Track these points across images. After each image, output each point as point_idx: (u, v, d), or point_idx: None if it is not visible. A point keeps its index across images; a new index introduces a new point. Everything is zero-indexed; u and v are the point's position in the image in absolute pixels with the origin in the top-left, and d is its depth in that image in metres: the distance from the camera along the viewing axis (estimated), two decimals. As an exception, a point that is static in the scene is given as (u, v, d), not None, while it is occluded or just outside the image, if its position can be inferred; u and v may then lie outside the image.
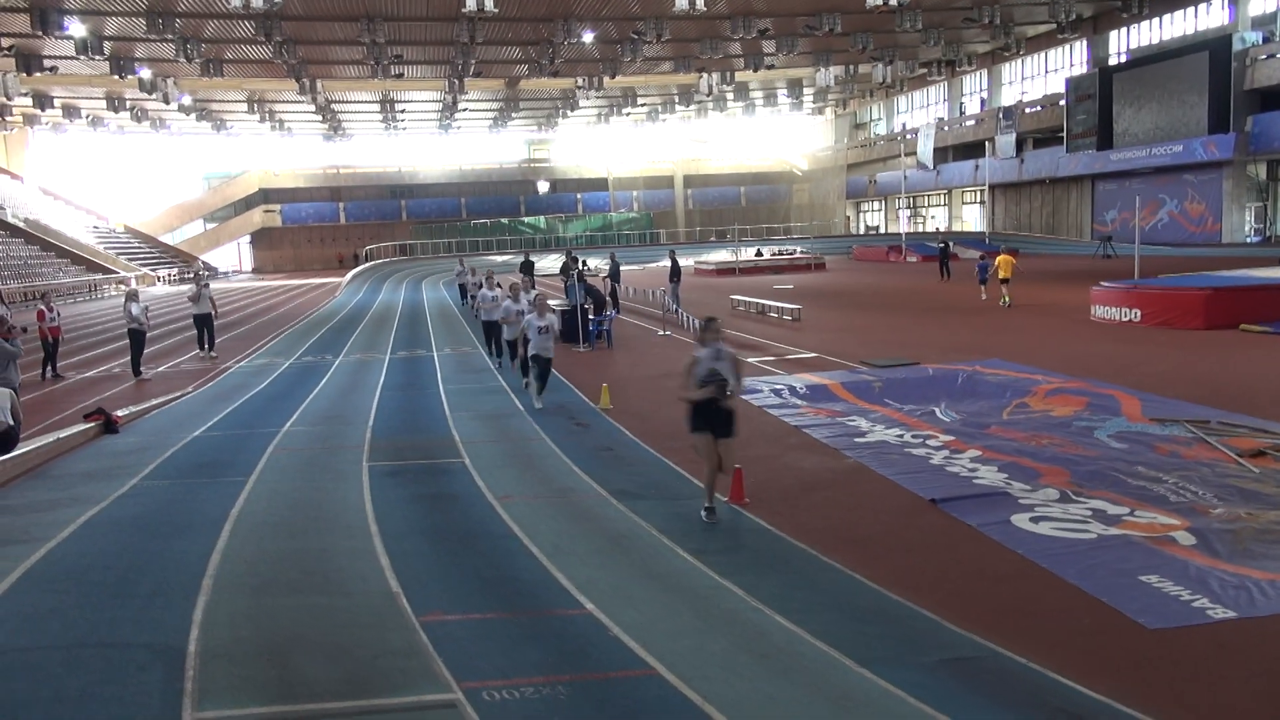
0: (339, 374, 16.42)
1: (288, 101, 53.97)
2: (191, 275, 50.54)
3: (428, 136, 68.15)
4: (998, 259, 23.85)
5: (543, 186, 71.52)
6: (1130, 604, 5.48)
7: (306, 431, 11.31)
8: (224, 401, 13.57)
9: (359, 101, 56.97)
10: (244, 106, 54.51)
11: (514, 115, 62.46)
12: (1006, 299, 22.68)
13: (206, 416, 12.28)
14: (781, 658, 4.71)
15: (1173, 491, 7.62)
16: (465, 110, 59.35)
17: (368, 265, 54.84)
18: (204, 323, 19.29)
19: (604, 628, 5.01)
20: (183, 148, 66.65)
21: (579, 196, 72.70)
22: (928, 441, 9.76)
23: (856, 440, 10.00)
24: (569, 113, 60.89)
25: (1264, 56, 37.88)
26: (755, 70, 48.72)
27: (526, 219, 70.35)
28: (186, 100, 49.47)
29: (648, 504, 7.75)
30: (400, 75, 45.21)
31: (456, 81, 47.45)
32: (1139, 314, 17.84)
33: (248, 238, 70.16)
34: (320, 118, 58.27)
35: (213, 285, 25.70)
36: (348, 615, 5.16)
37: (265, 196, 68.85)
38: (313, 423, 11.89)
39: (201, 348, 19.36)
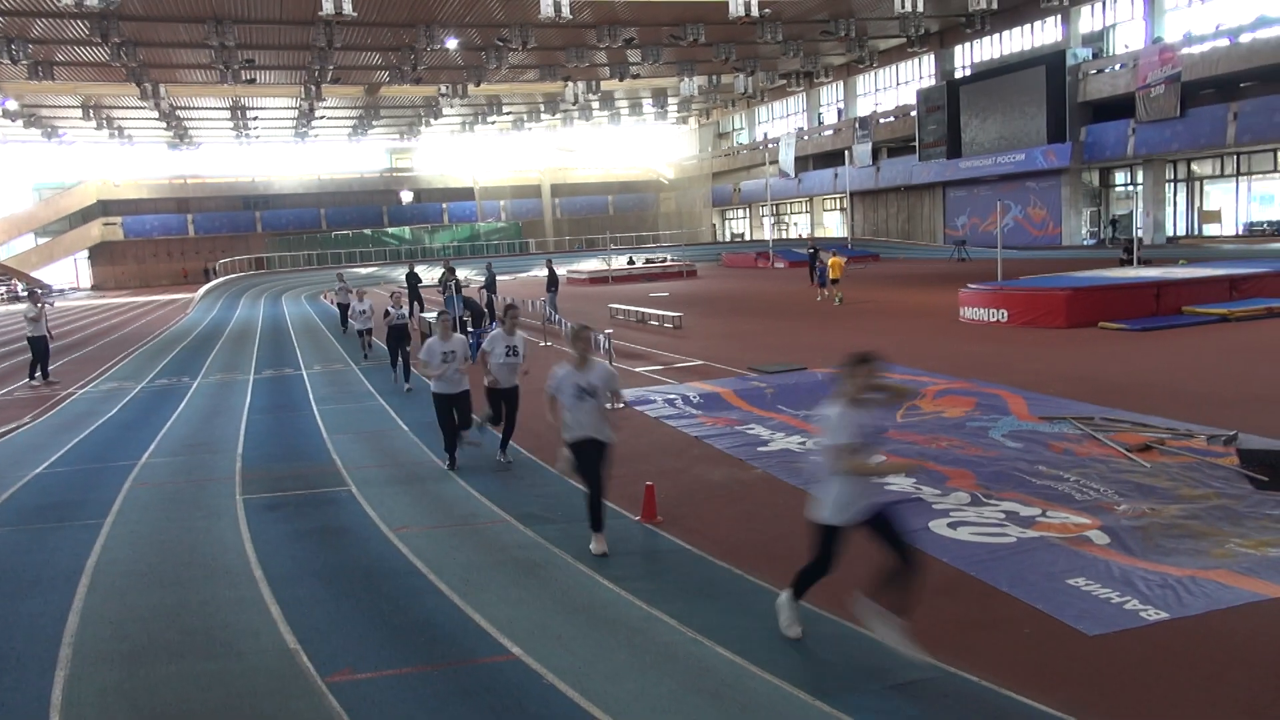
0: (199, 397, 15.25)
1: (128, 107, 50.61)
2: (27, 293, 46.61)
3: (283, 145, 65.22)
4: (829, 261, 25.94)
5: (406, 196, 69.63)
6: (1066, 610, 5.41)
7: (168, 463, 10.33)
8: (69, 432, 12.32)
9: (208, 108, 54.03)
10: (79, 112, 50.81)
11: (375, 123, 60.58)
12: (839, 298, 25.03)
13: (50, 449, 11.09)
14: (733, 695, 4.38)
15: (1076, 490, 7.72)
16: (323, 117, 57.15)
17: (221, 280, 52.01)
18: (40, 346, 17.48)
19: (537, 675, 4.57)
20: (9, 156, 61.55)
21: (444, 206, 71.15)
22: (830, 448, 9.66)
23: (760, 450, 9.83)
24: (432, 121, 59.44)
25: (1094, 71, 40.44)
26: (620, 79, 48.79)
27: (390, 230, 68.33)
28: (12, 105, 45.69)
29: (557, 528, 7.32)
30: (252, 80, 43.05)
31: (313, 88, 45.51)
32: (1006, 314, 18.52)
33: (85, 252, 65.39)
34: (164, 125, 54.88)
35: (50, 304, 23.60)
36: (242, 682, 4.53)
37: (104, 208, 64.31)
38: (174, 453, 10.89)
39: (33, 376, 17.43)
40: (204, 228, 66.07)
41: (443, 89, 49.21)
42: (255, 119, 56.85)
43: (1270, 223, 37.12)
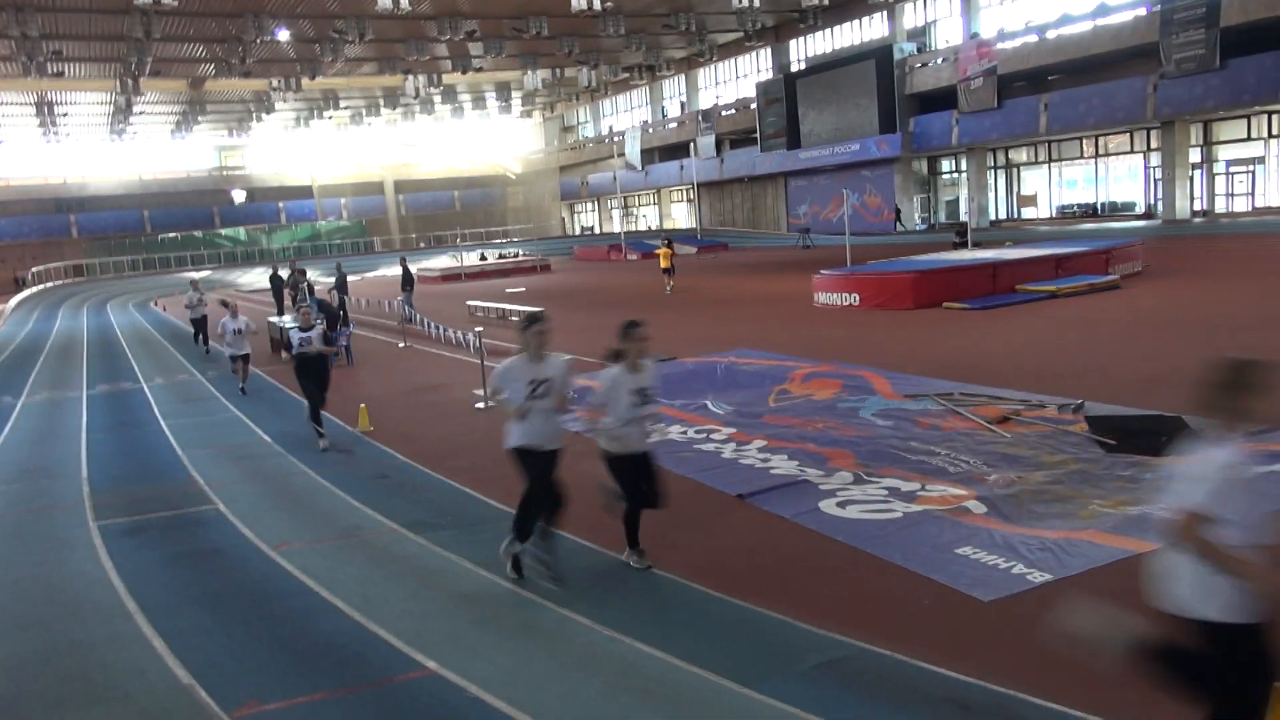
0: (26, 418, 14.02)
1: (-88, 103, 46.00)
2: None
3: (98, 143, 60.62)
4: (658, 251, 27.11)
5: (238, 196, 66.21)
6: (959, 579, 5.67)
7: (2, 492, 9.43)
8: (-124, 466, 11.07)
9: (10, 104, 49.64)
10: None
11: (201, 119, 57.30)
12: (670, 286, 26.41)
13: None
14: (663, 692, 4.37)
15: (949, 463, 8.11)
16: (142, 114, 53.59)
17: (35, 289, 48.00)
18: None
19: (459, 689, 4.42)
20: None
21: (281, 205, 68.02)
22: (712, 436, 9.82)
23: (642, 442, 9.84)
24: (264, 116, 56.72)
25: (919, 65, 42.69)
26: (463, 73, 48.02)
27: (223, 231, 64.80)
28: None
29: (449, 534, 7.11)
30: (60, 74, 39.86)
31: (130, 81, 42.58)
32: (858, 298, 19.30)
33: None
34: (-43, 122, 50.20)
35: None
36: (139, 726, 4.18)
37: (-113, 214, 58.27)
38: (8, 480, 9.98)
39: None
40: (10, 233, 60.69)
41: (274, 83, 47.07)
42: (65, 115, 52.73)
43: (1079, 205, 40.22)
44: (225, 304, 15.65)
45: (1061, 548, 5.99)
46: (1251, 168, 34.39)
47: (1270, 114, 32.80)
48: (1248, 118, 33.56)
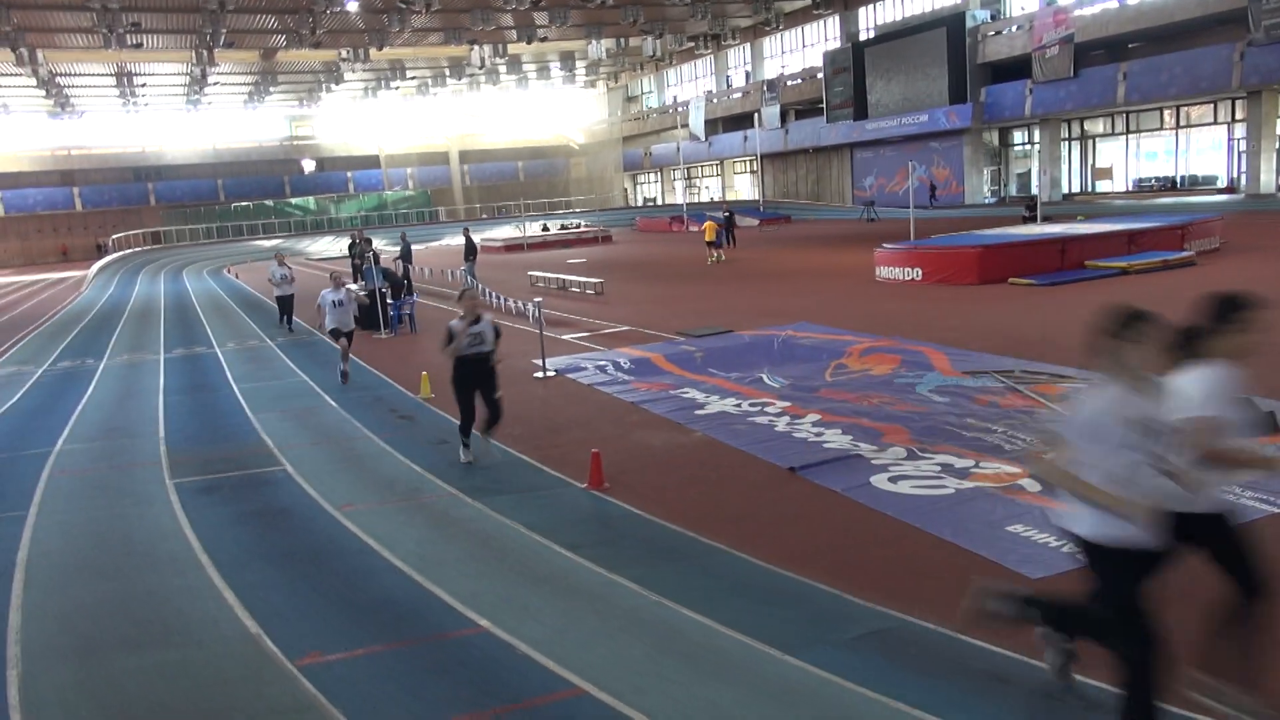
0: (107, 379, 14.63)
1: (2, 74, 47.63)
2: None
3: (175, 113, 62.29)
4: (704, 225, 28.37)
5: (308, 165, 67.54)
6: (1009, 556, 5.67)
7: (86, 449, 9.92)
8: (-29, 422, 11.70)
9: (91, 75, 51.24)
10: (-54, 81, 47.72)
11: (272, 90, 58.41)
12: (714, 258, 27.66)
13: (-48, 442, 10.52)
14: (706, 656, 4.48)
15: (1005, 440, 8.05)
16: (217, 84, 54.82)
17: (115, 256, 49.70)
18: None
19: (509, 646, 4.58)
20: None
21: (349, 175, 69.22)
22: (766, 409, 9.86)
23: (697, 413, 9.94)
24: (333, 87, 57.64)
25: (992, 33, 41.53)
26: (528, 42, 48.12)
27: (293, 200, 66.17)
28: None
29: (505, 499, 7.30)
30: (139, 45, 40.97)
31: (205, 53, 43.61)
32: (920, 273, 19.04)
33: (-40, 231, 61.71)
34: (44, 93, 51.89)
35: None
36: (210, 670, 4.43)
37: (-20, 182, 60.73)
38: (91, 438, 10.46)
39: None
40: (92, 201, 62.93)
41: (343, 53, 47.74)
42: (143, 86, 54.22)
43: (1157, 178, 38.89)
44: (332, 277, 13.92)
45: (1115, 528, 5.93)
46: (1344, 140, 32.85)
47: (1366, 83, 31.27)
48: (1341, 87, 32.03)
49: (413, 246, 25.70)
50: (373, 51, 46.72)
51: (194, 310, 25.16)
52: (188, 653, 4.69)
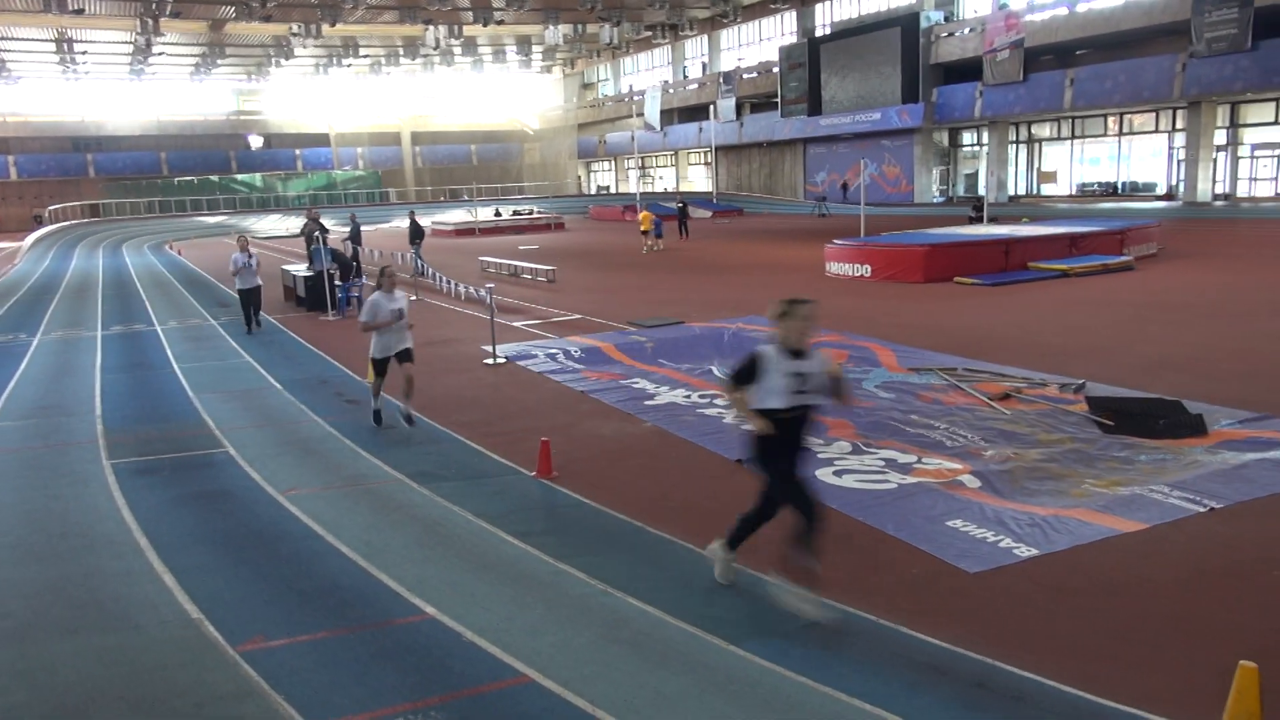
0: (41, 355, 14.24)
1: (-68, 35, 45.88)
2: None
3: (117, 83, 60.47)
4: (640, 215, 29.40)
5: (256, 141, 66.13)
6: (948, 550, 5.81)
7: (18, 427, 9.65)
8: (-104, 397, 11.30)
9: (29, 39, 49.51)
10: (-128, 39, 45.76)
11: (220, 62, 56.97)
12: (651, 247, 28.70)
13: (-124, 417, 10.15)
14: (652, 645, 4.52)
15: (947, 437, 8.22)
16: (162, 55, 53.37)
17: (52, 228, 48.21)
18: None
19: (456, 634, 4.58)
20: None
21: (298, 153, 67.90)
22: (715, 401, 9.93)
23: (647, 403, 9.98)
24: (283, 62, 56.41)
25: (945, 35, 42.13)
26: (484, 24, 47.61)
27: (239, 176, 64.73)
28: None
29: (453, 486, 7.28)
30: (80, 11, 39.68)
31: (150, 22, 42.35)
32: (869, 269, 19.30)
33: (-115, 197, 59.34)
34: (-24, 56, 50.09)
35: None
36: (148, 655, 4.35)
37: (-93, 147, 58.41)
38: (23, 416, 10.18)
39: None
40: (28, 171, 60.89)
41: (294, 28, 46.76)
42: (84, 54, 52.54)
43: (1100, 183, 39.86)
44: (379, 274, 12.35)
45: (1050, 524, 6.11)
46: (1277, 152, 33.98)
47: (1299, 98, 32.35)
48: (1276, 101, 33.09)
49: (362, 228, 25.34)
50: (325, 27, 45.87)
51: (134, 286, 24.55)
52: (125, 637, 4.61)
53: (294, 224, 25.90)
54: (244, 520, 6.56)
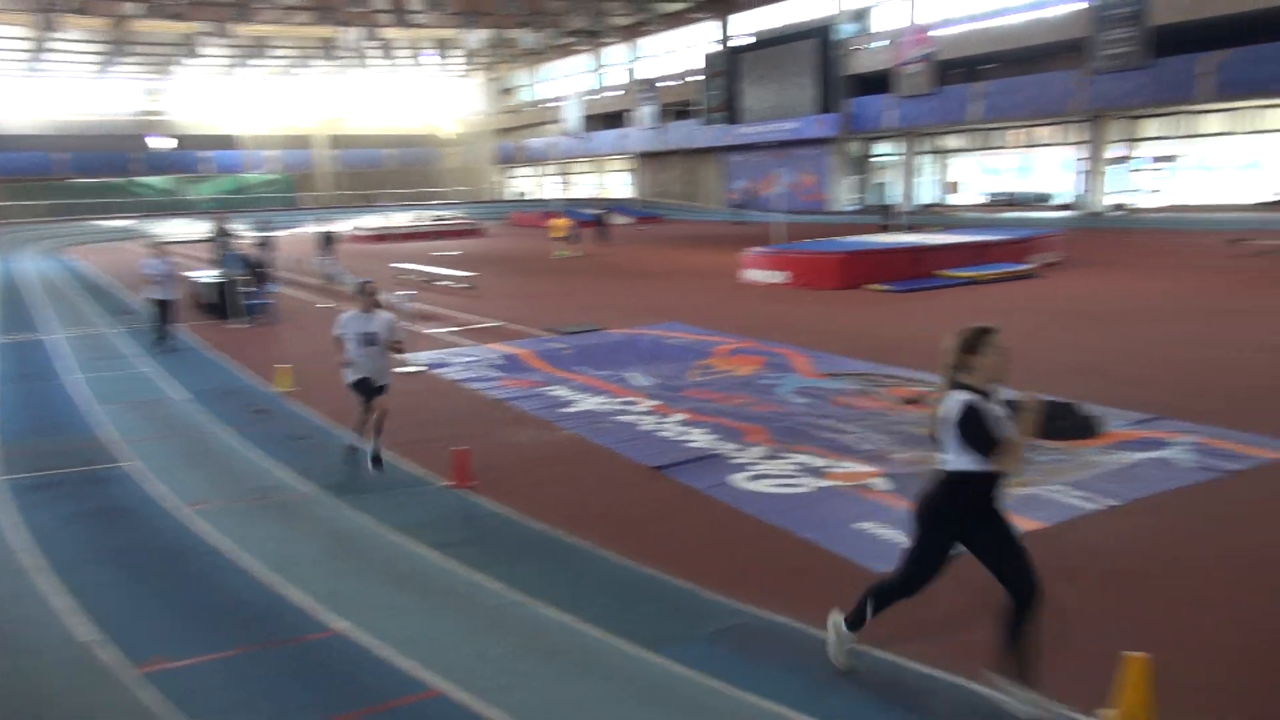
0: (-73, 367, 13.51)
1: None
2: None
3: (11, 80, 57.73)
4: (554, 221, 30.28)
5: (162, 143, 63.84)
6: (859, 552, 5.94)
7: (-99, 443, 9.14)
8: None
9: (-87, 32, 47.04)
10: None
11: (125, 61, 54.95)
12: (563, 254, 29.21)
13: None
14: (570, 654, 4.53)
15: (859, 440, 8.42)
16: (61, 51, 51.19)
17: (-63, 232, 45.74)
18: None
19: (370, 648, 4.51)
20: None
21: (207, 155, 65.78)
22: (633, 407, 9.98)
23: (564, 411, 9.98)
24: (191, 61, 54.72)
25: (860, 47, 43.14)
26: (402, 27, 46.96)
27: (144, 179, 62.41)
28: None
29: (367, 497, 7.16)
30: (-29, 4, 37.90)
31: (49, 17, 40.65)
32: (786, 276, 19.62)
33: None
34: None
35: None
36: (44, 679, 4.18)
37: None
38: (-93, 431, 9.65)
39: None
40: (-88, 170, 57.64)
41: (203, 26, 45.42)
42: (-25, 49, 50.17)
43: (1005, 194, 41.26)
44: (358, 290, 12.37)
45: (956, 525, 6.29)
46: (1168, 165, 35.67)
47: (1187, 114, 34.01)
48: (1168, 116, 34.75)
49: (275, 233, 24.71)
50: (235, 27, 44.69)
51: (29, 293, 23.48)
52: (18, 661, 4.41)
53: (203, 229, 24.78)
54: (146, 537, 6.34)
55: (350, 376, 7.96)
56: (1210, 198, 33.85)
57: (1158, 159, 36.08)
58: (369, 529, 6.42)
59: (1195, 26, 30.60)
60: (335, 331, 7.96)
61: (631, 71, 58.95)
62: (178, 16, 41.63)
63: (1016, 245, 21.29)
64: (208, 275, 18.55)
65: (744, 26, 49.82)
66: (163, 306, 14.34)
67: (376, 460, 7.92)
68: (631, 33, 55.61)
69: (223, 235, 17.54)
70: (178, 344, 14.39)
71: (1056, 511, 6.47)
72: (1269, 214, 30.37)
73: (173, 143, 63.56)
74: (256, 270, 17.81)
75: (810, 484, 7.29)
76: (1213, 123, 33.85)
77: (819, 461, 7.83)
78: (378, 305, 8.01)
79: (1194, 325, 13.61)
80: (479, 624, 4.88)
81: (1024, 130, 39.87)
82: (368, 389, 7.92)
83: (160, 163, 63.79)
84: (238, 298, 16.80)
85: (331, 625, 4.81)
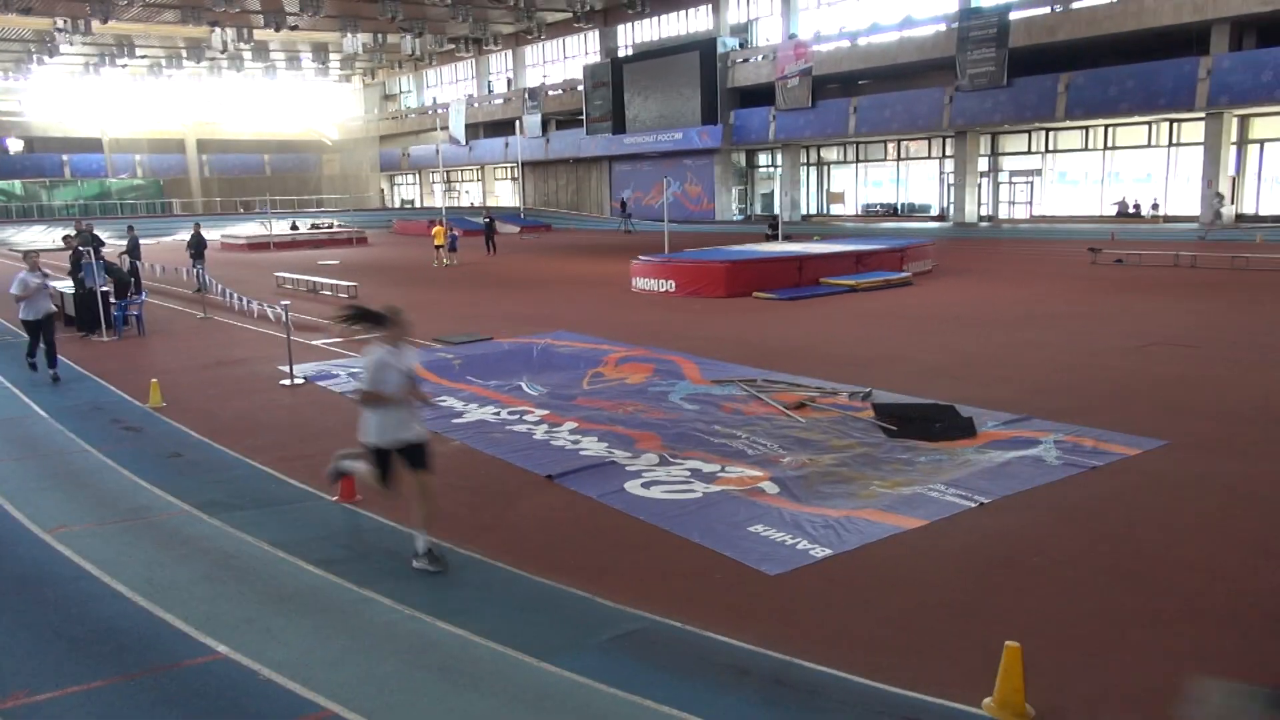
0: None
1: None
2: None
3: None
4: (433, 230, 30.28)
5: (15, 145, 60.08)
6: (749, 555, 6.05)
7: None
8: None
9: None
10: None
11: (-31, 57, 51.52)
12: (442, 261, 29.09)
13: None
14: (460, 667, 4.45)
15: (748, 446, 8.57)
16: (-103, 45, 47.62)
17: None
18: None
19: (251, 673, 4.33)
20: None
21: (65, 158, 62.23)
22: (524, 417, 9.91)
23: (455, 421, 9.83)
24: (47, 59, 51.67)
25: (741, 60, 44.08)
26: (277, 29, 45.50)
27: (-3, 183, 58.64)
28: None
29: (247, 515, 6.88)
30: None
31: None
32: (674, 285, 19.84)
33: None
34: None
35: None
36: (-115, 722, 3.86)
37: None
38: None
39: None
40: None
41: (60, 23, 42.95)
42: None
43: (882, 204, 42.82)
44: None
45: (842, 525, 6.48)
46: (1031, 179, 37.70)
47: (1047, 130, 36.03)
48: (1029, 132, 36.73)
49: (142, 241, 23.54)
50: (95, 24, 42.39)
51: None
52: None
53: (57, 236, 22.87)
54: (3, 564, 5.93)
55: (379, 436, 5.84)
56: (1071, 209, 35.95)
57: (1016, 173, 38.09)
58: (250, 547, 6.17)
59: (1051, 49, 32.48)
60: (368, 380, 5.82)
61: (510, 81, 58.60)
62: (30, 10, 39.18)
63: (893, 254, 22.10)
64: (66, 285, 17.51)
65: (628, 38, 50.24)
66: (37, 326, 12.31)
67: (433, 557, 5.81)
68: (515, 40, 55.37)
69: (85, 242, 16.54)
70: (59, 371, 12.30)
71: (935, 509, 6.72)
72: (1124, 224, 32.47)
73: (20, 144, 59.77)
74: (122, 280, 16.93)
75: (702, 489, 7.37)
76: (1070, 139, 35.97)
77: (710, 467, 7.93)
78: (406, 336, 6.10)
79: (1057, 329, 14.39)
80: (367, 641, 4.74)
81: (898, 144, 41.49)
82: (414, 454, 5.88)
83: (13, 166, 60.04)
84: (102, 309, 15.91)
85: (211, 649, 4.59)
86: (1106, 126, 34.48)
